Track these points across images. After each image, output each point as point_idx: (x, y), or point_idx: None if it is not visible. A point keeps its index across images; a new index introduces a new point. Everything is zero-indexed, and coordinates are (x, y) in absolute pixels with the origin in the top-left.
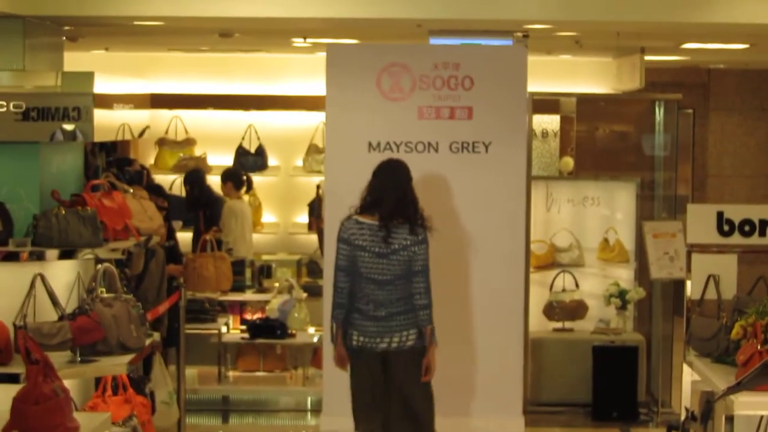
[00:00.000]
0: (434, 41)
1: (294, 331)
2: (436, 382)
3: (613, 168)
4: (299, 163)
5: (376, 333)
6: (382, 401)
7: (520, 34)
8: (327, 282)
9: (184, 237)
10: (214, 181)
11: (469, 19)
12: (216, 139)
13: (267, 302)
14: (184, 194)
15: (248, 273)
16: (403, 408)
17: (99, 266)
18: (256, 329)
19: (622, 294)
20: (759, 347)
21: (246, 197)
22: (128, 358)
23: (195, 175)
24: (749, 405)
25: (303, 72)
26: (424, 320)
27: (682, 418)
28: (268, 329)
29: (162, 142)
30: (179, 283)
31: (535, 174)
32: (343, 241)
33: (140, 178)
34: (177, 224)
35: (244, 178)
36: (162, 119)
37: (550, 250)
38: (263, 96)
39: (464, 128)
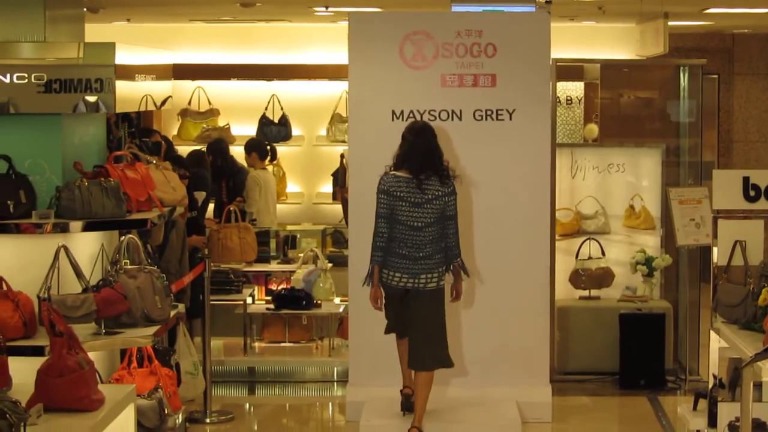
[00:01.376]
0: (456, 8)
1: (319, 302)
2: (464, 350)
3: (637, 134)
4: (323, 132)
5: (411, 273)
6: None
7: (543, 0)
8: (352, 251)
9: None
10: (237, 151)
11: None
12: (239, 110)
13: (292, 273)
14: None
15: (273, 243)
16: (421, 330)
17: (123, 238)
18: (281, 300)
19: (648, 261)
20: None
21: (270, 167)
22: (153, 329)
23: (218, 145)
24: None
25: (325, 41)
26: (454, 255)
27: (710, 385)
28: (294, 300)
29: (185, 113)
30: (204, 255)
31: (559, 141)
32: (383, 192)
33: (158, 150)
34: (200, 195)
35: (268, 148)
36: (185, 90)
37: (575, 217)
38: (286, 65)
39: (488, 96)
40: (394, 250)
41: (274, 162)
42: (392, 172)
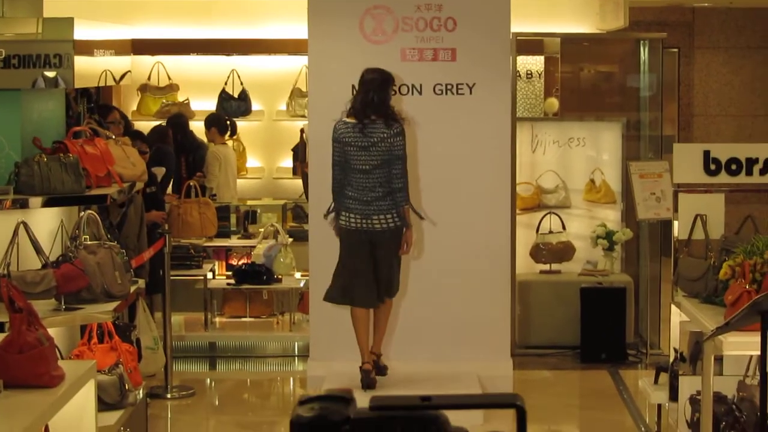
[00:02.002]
0: None
1: (280, 276)
2: (424, 326)
3: (598, 108)
4: (283, 107)
5: (364, 215)
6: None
7: None
8: (312, 226)
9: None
10: (197, 126)
11: None
12: (199, 85)
13: (252, 248)
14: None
15: (233, 219)
16: (383, 277)
17: (82, 213)
18: (242, 275)
19: (609, 235)
20: (747, 287)
21: (230, 142)
22: (113, 305)
23: (177, 120)
24: (738, 345)
25: (285, 15)
26: (400, 201)
27: (671, 359)
28: (254, 275)
29: (144, 88)
30: (164, 230)
31: (519, 115)
32: (335, 140)
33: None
34: (159, 170)
35: (228, 123)
36: (144, 65)
37: (536, 191)
38: (246, 40)
39: (448, 70)
40: (348, 194)
41: (234, 137)
42: (342, 119)
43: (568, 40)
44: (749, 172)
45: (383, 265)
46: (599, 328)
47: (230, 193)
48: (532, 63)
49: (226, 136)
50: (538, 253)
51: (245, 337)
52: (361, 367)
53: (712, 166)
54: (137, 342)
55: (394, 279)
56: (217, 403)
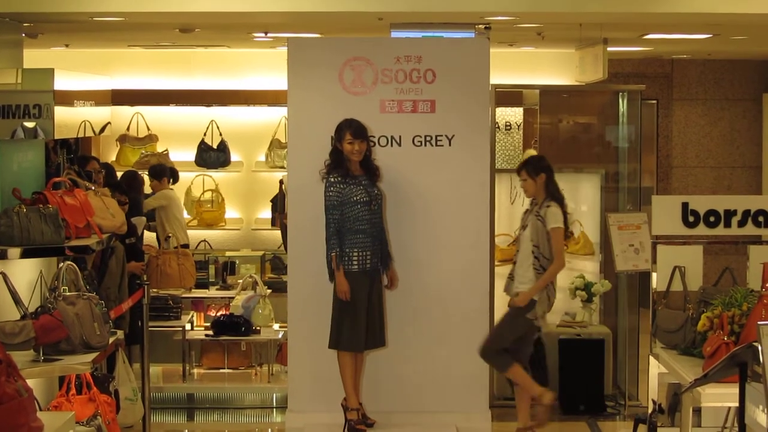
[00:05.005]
0: (396, 34)
1: (258, 328)
2: (404, 377)
3: (577, 160)
4: (262, 158)
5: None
6: None
7: (482, 26)
8: (291, 278)
9: (149, 235)
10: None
11: (431, 12)
12: (178, 135)
13: (231, 299)
14: (150, 190)
15: (212, 270)
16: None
17: (61, 264)
18: (220, 326)
19: (587, 287)
20: (725, 339)
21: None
22: (92, 356)
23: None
24: (716, 397)
25: (264, 67)
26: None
27: (650, 410)
28: (233, 326)
29: (123, 139)
30: (143, 281)
31: (498, 167)
32: None
33: (90, 179)
34: (140, 221)
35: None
36: (123, 115)
37: (514, 243)
38: (225, 91)
39: (427, 121)
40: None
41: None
42: None
43: (546, 91)
44: (728, 224)
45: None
46: (578, 380)
47: (183, 233)
48: (511, 114)
49: (170, 183)
50: None
51: (223, 388)
52: (354, 411)
53: (691, 218)
54: (116, 393)
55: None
56: None
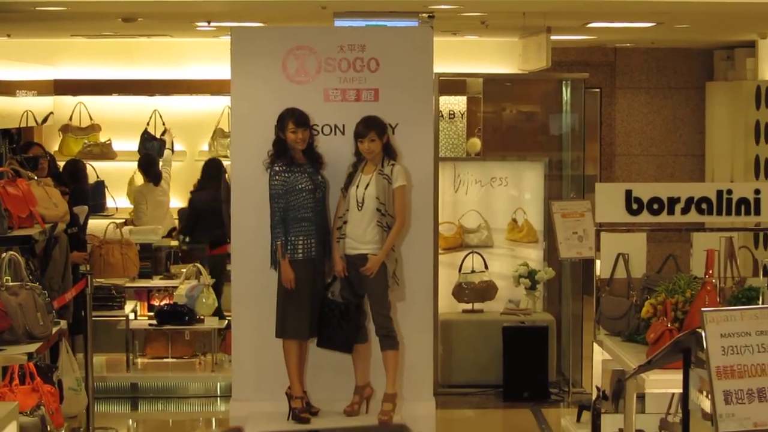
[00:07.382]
0: (339, 23)
1: (202, 317)
2: (347, 363)
3: (520, 148)
4: (205, 147)
5: None
6: None
7: (425, 15)
8: (235, 267)
9: (98, 224)
10: (119, 166)
11: (374, 1)
12: (121, 125)
13: (175, 288)
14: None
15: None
16: None
17: (4, 255)
18: (163, 315)
19: (531, 274)
20: (669, 325)
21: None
22: (35, 346)
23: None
24: (660, 383)
25: (208, 56)
26: None
27: (594, 397)
28: (176, 315)
29: (66, 129)
30: (86, 271)
31: (442, 155)
32: None
33: (35, 165)
34: (82, 210)
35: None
36: (66, 105)
37: (458, 231)
38: (168, 81)
39: (371, 110)
40: None
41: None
42: None
43: (490, 80)
44: (671, 212)
45: None
46: (522, 367)
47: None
48: (455, 103)
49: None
50: (460, 292)
51: (167, 377)
52: (295, 399)
53: (634, 206)
54: (59, 383)
55: None
56: None
